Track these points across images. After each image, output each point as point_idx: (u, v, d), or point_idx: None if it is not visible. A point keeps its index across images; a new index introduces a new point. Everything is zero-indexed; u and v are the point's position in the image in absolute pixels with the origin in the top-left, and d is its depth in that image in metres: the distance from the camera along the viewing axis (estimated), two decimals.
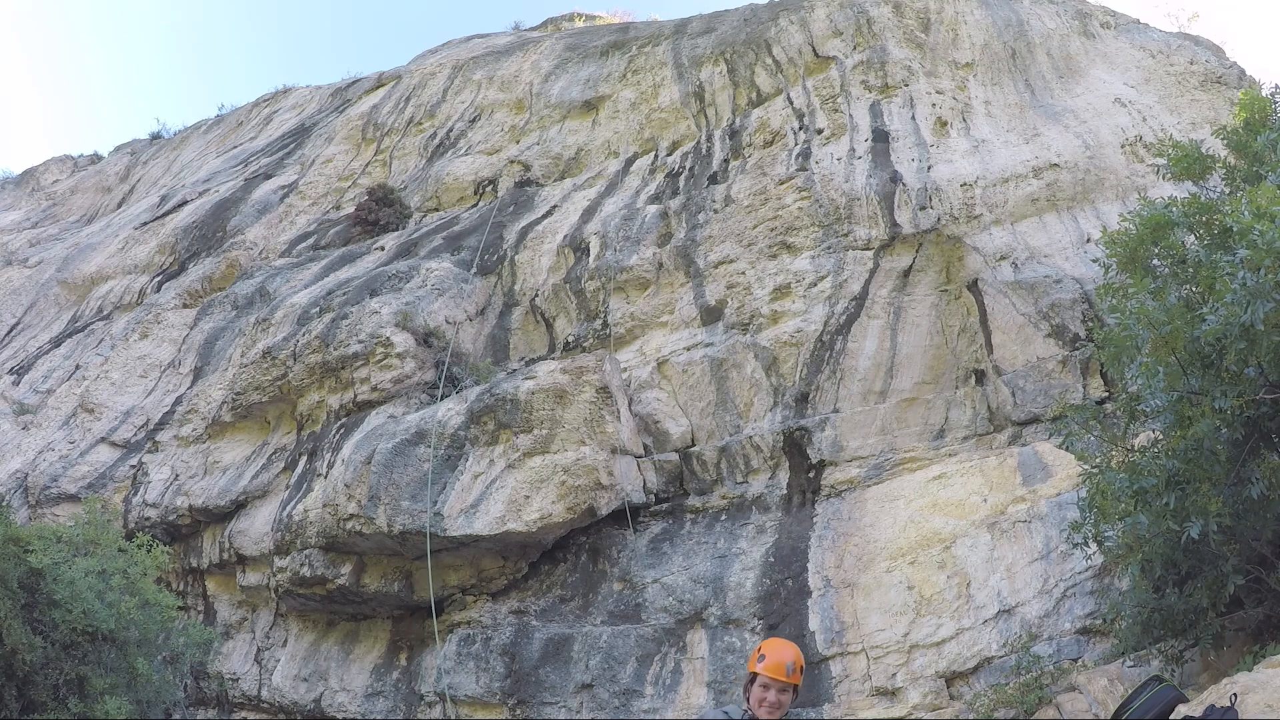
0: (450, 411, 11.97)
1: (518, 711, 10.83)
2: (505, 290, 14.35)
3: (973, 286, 10.08)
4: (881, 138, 12.83)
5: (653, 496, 11.87)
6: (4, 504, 9.57)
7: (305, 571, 11.77)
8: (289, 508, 12.42)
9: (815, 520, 10.35)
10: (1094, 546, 6.64)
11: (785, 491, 10.81)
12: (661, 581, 10.98)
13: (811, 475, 10.65)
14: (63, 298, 22.98)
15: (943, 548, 8.96)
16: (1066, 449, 8.36)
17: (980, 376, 9.97)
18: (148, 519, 14.14)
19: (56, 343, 20.79)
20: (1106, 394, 9.29)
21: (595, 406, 11.70)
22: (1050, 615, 8.03)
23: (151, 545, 10.58)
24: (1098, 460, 6.80)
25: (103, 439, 16.10)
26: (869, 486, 10.07)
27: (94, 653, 9.07)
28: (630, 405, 12.06)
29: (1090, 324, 9.60)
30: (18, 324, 23.10)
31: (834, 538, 9.99)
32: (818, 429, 10.57)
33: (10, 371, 20.07)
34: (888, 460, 10.00)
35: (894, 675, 8.71)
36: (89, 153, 36.26)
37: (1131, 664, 6.77)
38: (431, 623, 11.47)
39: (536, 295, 13.85)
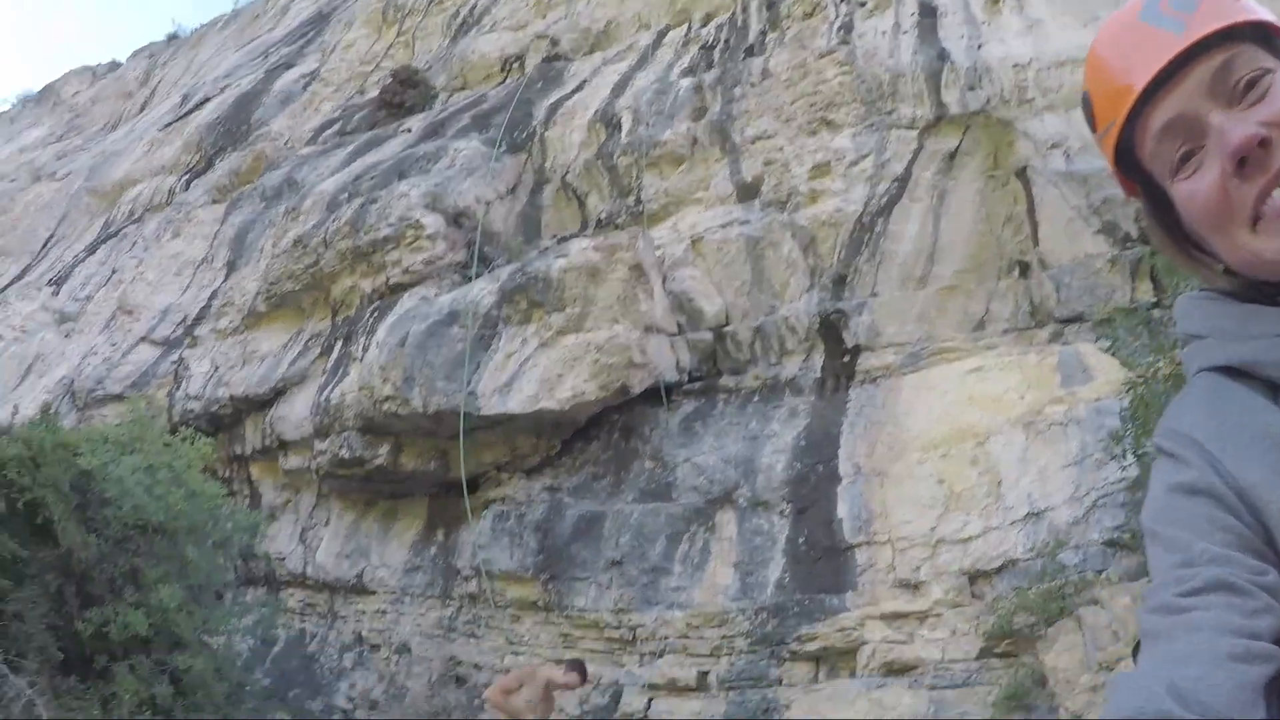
0: (483, 291, 11.82)
1: (549, 586, 11.06)
2: (536, 168, 13.96)
3: (1021, 174, 9.56)
4: (929, 13, 12.03)
5: (686, 375, 11.77)
6: (52, 412, 9.65)
7: (344, 453, 11.92)
8: (326, 392, 12.50)
9: (848, 406, 10.20)
10: (1132, 460, 6.42)
11: (819, 375, 10.64)
12: (693, 461, 10.97)
13: (846, 360, 10.44)
14: (93, 206, 22.97)
15: (976, 443, 8.79)
16: (1111, 354, 8.05)
17: (1024, 269, 9.58)
18: (191, 411, 14.38)
19: (91, 250, 20.88)
20: (1155, 300, 8.89)
21: (628, 284, 11.48)
22: (1079, 524, 7.90)
23: (194, 438, 10.73)
24: (1143, 369, 6.50)
25: (143, 338, 16.27)
26: (904, 375, 9.85)
27: (146, 545, 9.31)
28: (664, 283, 11.83)
29: (1143, 224, 9.09)
30: (52, 236, 23.20)
31: (866, 425, 9.85)
32: (855, 313, 10.30)
33: (49, 283, 20.22)
34: (925, 349, 9.74)
35: (918, 569, 8.70)
36: (107, 62, 35.55)
37: None
38: (467, 500, 11.63)
39: (568, 172, 13.46)
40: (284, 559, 13.57)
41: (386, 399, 11.47)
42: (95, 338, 17.11)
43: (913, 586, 8.71)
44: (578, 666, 8.57)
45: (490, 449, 12.06)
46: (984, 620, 7.89)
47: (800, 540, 9.90)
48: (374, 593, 12.66)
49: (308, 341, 14.14)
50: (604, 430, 11.98)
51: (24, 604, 8.17)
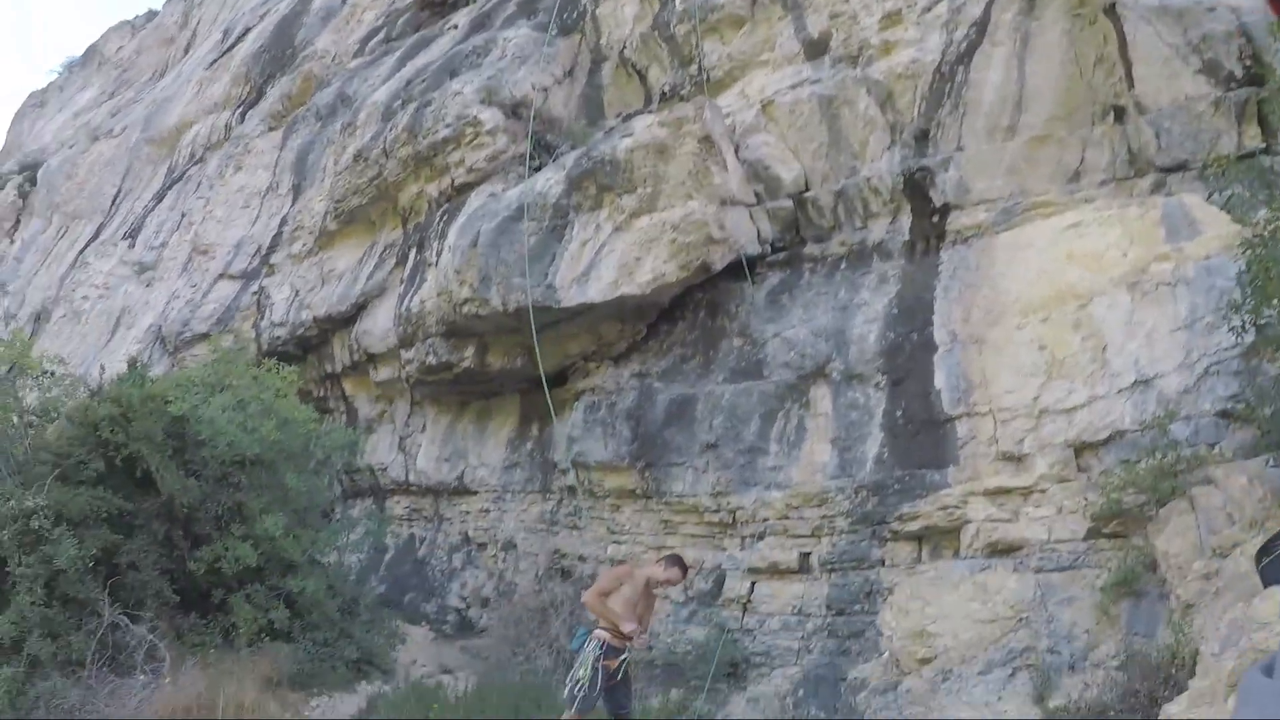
0: (549, 181, 11.39)
1: (646, 474, 10.99)
2: (591, 47, 13.19)
3: (1110, 11, 8.46)
4: None
5: (768, 247, 11.23)
6: (142, 363, 9.77)
7: (430, 360, 11.90)
8: (406, 301, 12.42)
9: (940, 269, 9.57)
10: (1251, 331, 5.78)
11: (908, 238, 9.98)
12: (782, 336, 10.57)
13: (935, 220, 9.74)
14: (154, 154, 23.02)
15: (1078, 305, 8.13)
16: (1219, 206, 7.24)
17: (1120, 114, 8.60)
18: (278, 338, 14.57)
19: (159, 198, 21.01)
20: (1264, 144, 7.89)
21: (699, 158, 10.90)
22: (1189, 392, 7.26)
23: (278, 368, 10.83)
24: (1259, 226, 5.77)
25: (221, 275, 16.46)
26: (998, 233, 9.13)
27: (246, 479, 9.53)
28: (737, 152, 11.17)
29: (1249, 63, 8.00)
30: (119, 192, 23.39)
31: (960, 289, 9.24)
32: (940, 169, 9.53)
33: (124, 237, 20.48)
34: (1018, 204, 8.97)
35: (1021, 441, 8.23)
36: (144, 13, 35.34)
37: (1275, 465, 6.08)
38: (558, 392, 11.54)
39: (624, 47, 12.68)
40: (386, 469, 13.87)
41: (465, 301, 11.32)
42: (175, 282, 17.44)
43: (1016, 460, 8.27)
44: (677, 561, 8.50)
45: (575, 340, 11.87)
46: (1091, 499, 7.43)
47: (898, 413, 9.49)
48: (475, 493, 12.86)
49: (382, 253, 14.04)
50: (689, 310, 11.63)
51: (136, 554, 8.50)
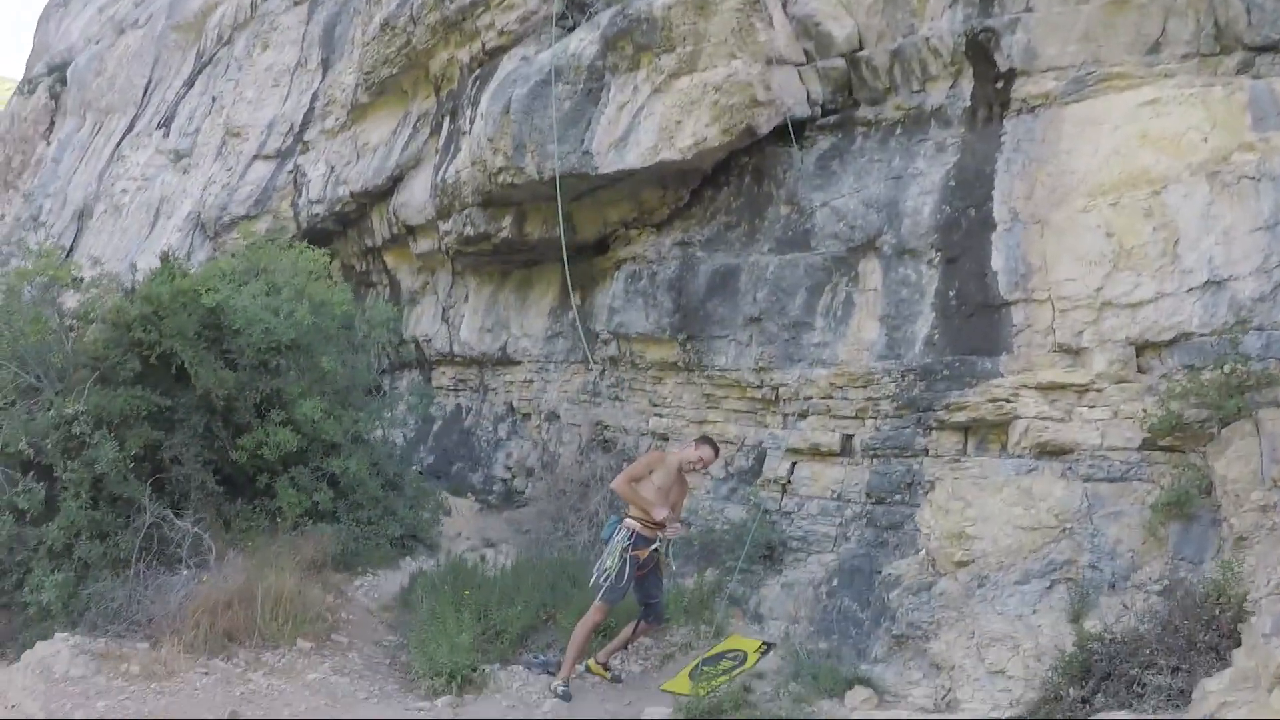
0: (583, 42, 10.53)
1: (688, 346, 10.63)
2: None
3: None
4: None
5: (818, 109, 10.34)
6: (171, 260, 9.48)
7: (468, 231, 11.46)
8: (441, 172, 11.88)
9: (1003, 140, 8.70)
10: None
11: (969, 104, 9.06)
12: (831, 205, 9.87)
13: (999, 86, 8.78)
14: (181, 41, 22.07)
15: (1151, 191, 7.31)
16: None
17: None
18: (316, 215, 14.17)
19: (189, 84, 20.29)
20: None
21: (742, 13, 9.92)
22: (1265, 300, 6.51)
23: (306, 250, 10.50)
24: None
25: (255, 156, 15.96)
26: (1067, 104, 8.19)
27: (283, 364, 9.39)
28: (784, 7, 10.15)
29: None
30: (149, 82, 22.51)
31: (1024, 163, 8.41)
32: (1006, 31, 8.51)
33: (158, 127, 19.80)
34: (1090, 74, 7.97)
35: (1080, 333, 7.62)
36: None
37: None
38: (598, 261, 11.10)
39: None
40: (430, 340, 13.68)
41: (500, 170, 10.75)
42: (211, 167, 17.03)
43: (1073, 353, 7.69)
44: (707, 441, 8.23)
45: (614, 207, 11.29)
46: (1150, 409, 6.90)
47: (951, 293, 8.87)
48: (519, 363, 12.66)
49: (415, 124, 13.39)
50: (733, 175, 10.89)
51: (178, 449, 8.50)
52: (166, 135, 19.90)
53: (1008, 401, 7.96)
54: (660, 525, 7.75)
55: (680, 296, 10.68)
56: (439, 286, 14.07)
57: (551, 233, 11.34)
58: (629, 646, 8.26)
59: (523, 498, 11.79)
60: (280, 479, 9.09)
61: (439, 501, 10.90)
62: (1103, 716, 5.55)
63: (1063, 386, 7.61)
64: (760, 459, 10.06)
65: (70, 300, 9.51)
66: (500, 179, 10.78)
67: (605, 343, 11.46)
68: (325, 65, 16.36)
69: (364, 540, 9.51)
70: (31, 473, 8.04)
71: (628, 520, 7.77)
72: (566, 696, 7.36)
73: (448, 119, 12.48)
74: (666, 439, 10.90)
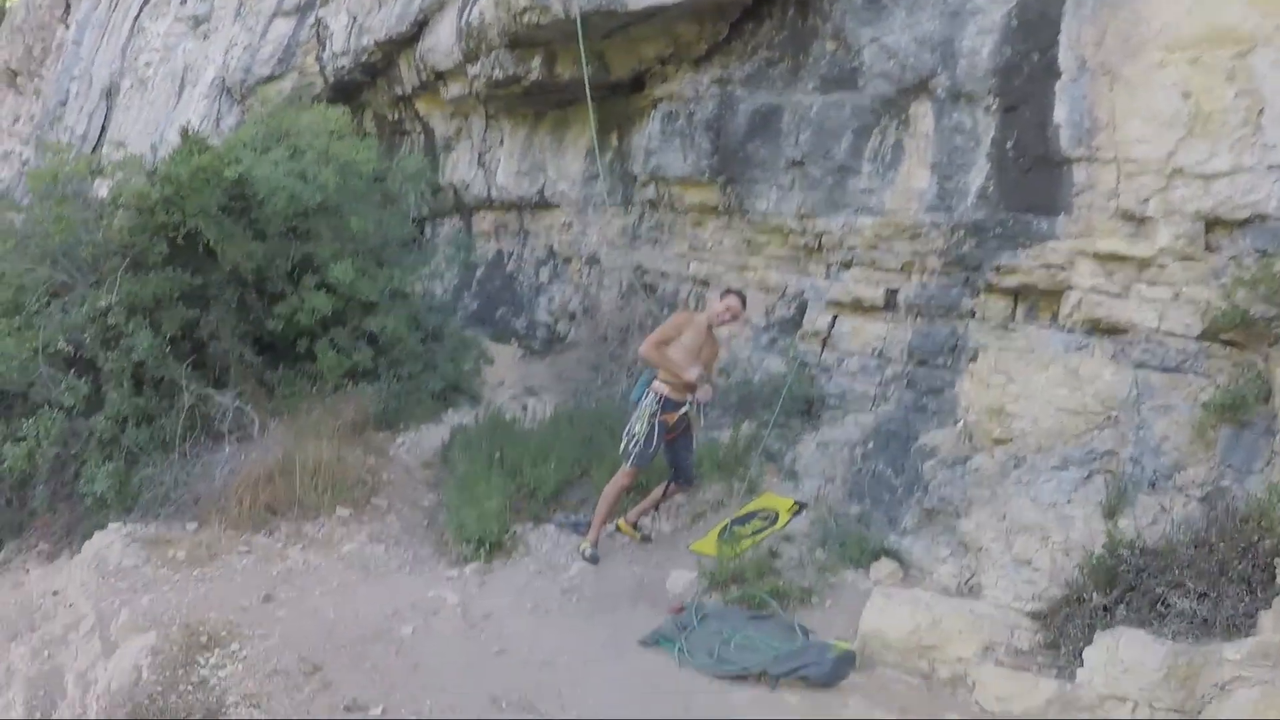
0: None
1: (728, 189, 9.93)
2: None
3: None
4: None
5: None
6: (190, 135, 8.85)
7: (497, 74, 10.58)
8: (466, 15, 10.85)
9: None
10: None
11: None
12: (880, 42, 8.80)
13: None
14: None
15: (1236, 52, 6.23)
16: None
17: None
18: (342, 68, 13.22)
19: None
20: None
21: None
22: None
23: (326, 108, 9.77)
24: None
25: (275, 14, 14.95)
26: None
27: (313, 229, 8.96)
28: None
29: None
30: None
31: (1095, 6, 7.25)
32: None
33: None
34: None
35: (1146, 201, 6.77)
36: None
37: None
38: (634, 99, 10.22)
39: None
40: (468, 186, 12.99)
41: (525, 10, 9.74)
42: (231, 29, 15.86)
43: (1137, 222, 6.86)
44: (733, 292, 7.74)
45: (649, 43, 10.26)
46: (1214, 296, 6.22)
47: (1008, 144, 7.95)
48: (557, 206, 12.03)
49: None
50: (775, 8, 9.70)
51: (214, 326, 8.30)
52: (184, 2, 18.71)
53: (1062, 269, 7.29)
54: (691, 387, 7.41)
55: (719, 137, 9.89)
56: (473, 131, 13.28)
57: (582, 73, 10.44)
58: (659, 507, 8.13)
59: (565, 343, 11.51)
60: (319, 342, 8.91)
61: (480, 352, 10.68)
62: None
63: (1122, 258, 6.88)
64: (801, 310, 9.58)
65: (104, 189, 9.10)
66: (525, 19, 9.81)
67: (643, 185, 10.78)
68: None
69: (405, 397, 9.41)
70: (74, 369, 7.93)
71: (656, 384, 7.40)
72: (594, 560, 7.27)
73: None
74: (707, 284, 10.42)
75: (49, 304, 7.98)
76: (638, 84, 10.76)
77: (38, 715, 5.26)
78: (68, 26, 25.30)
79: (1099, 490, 6.46)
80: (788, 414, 8.89)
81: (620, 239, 11.34)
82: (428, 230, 13.90)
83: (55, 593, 6.20)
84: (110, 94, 20.72)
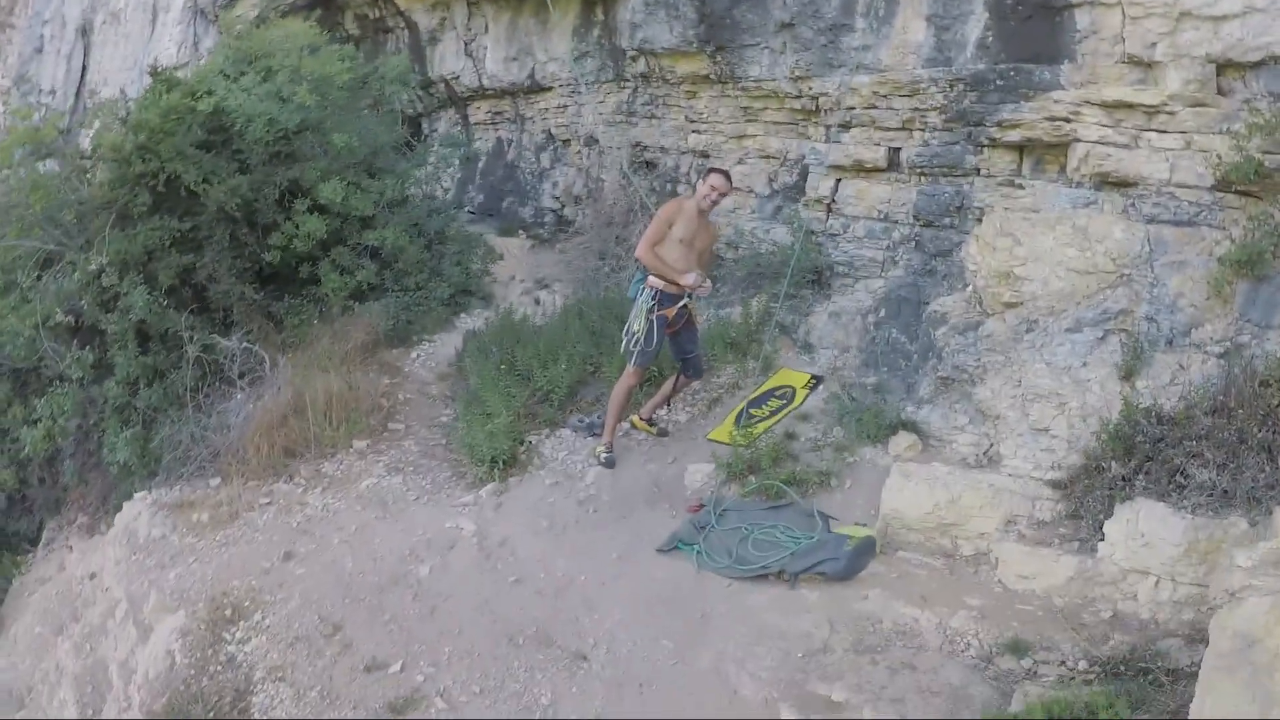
0: None
1: (718, 58, 9.20)
2: None
3: None
4: None
5: None
6: (158, 74, 8.17)
7: None
8: None
9: None
10: None
11: None
12: None
13: None
14: None
15: None
16: None
17: None
18: None
19: None
20: None
21: None
22: None
23: (290, 23, 8.97)
24: None
25: None
26: None
27: (297, 150, 8.40)
28: None
29: None
30: None
31: None
32: None
33: None
34: None
35: (1153, 45, 6.04)
36: None
37: None
38: None
39: None
40: (458, 77, 12.14)
41: None
42: None
43: (1144, 66, 6.16)
44: (715, 170, 7.14)
45: None
46: (1225, 149, 5.59)
47: None
48: (550, 88, 11.26)
49: None
50: None
51: (210, 268, 7.93)
52: None
53: (1067, 121, 6.67)
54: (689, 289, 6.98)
55: (704, 4, 9.08)
56: (456, 21, 12.32)
57: None
58: (671, 401, 7.84)
59: (573, 229, 10.99)
60: (321, 264, 8.56)
61: (487, 250, 10.22)
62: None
63: (1130, 106, 6.24)
64: (804, 176, 9.01)
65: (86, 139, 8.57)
66: None
67: (633, 60, 10.00)
68: None
69: (415, 308, 9.05)
70: (77, 338, 7.65)
71: (651, 279, 6.96)
72: (609, 464, 6.98)
73: None
74: (706, 155, 9.81)
75: (40, 278, 7.66)
76: None
77: (90, 714, 5.30)
78: None
79: (1115, 351, 6.06)
80: (798, 285, 8.47)
81: (617, 116, 10.65)
82: (425, 127, 13.24)
83: (92, 576, 6.19)
84: (85, 32, 19.61)
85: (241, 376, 7.53)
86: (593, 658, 5.05)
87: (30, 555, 7.32)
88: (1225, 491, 4.81)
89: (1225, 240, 5.61)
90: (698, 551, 5.98)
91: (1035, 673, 4.64)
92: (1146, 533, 4.96)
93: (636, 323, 6.93)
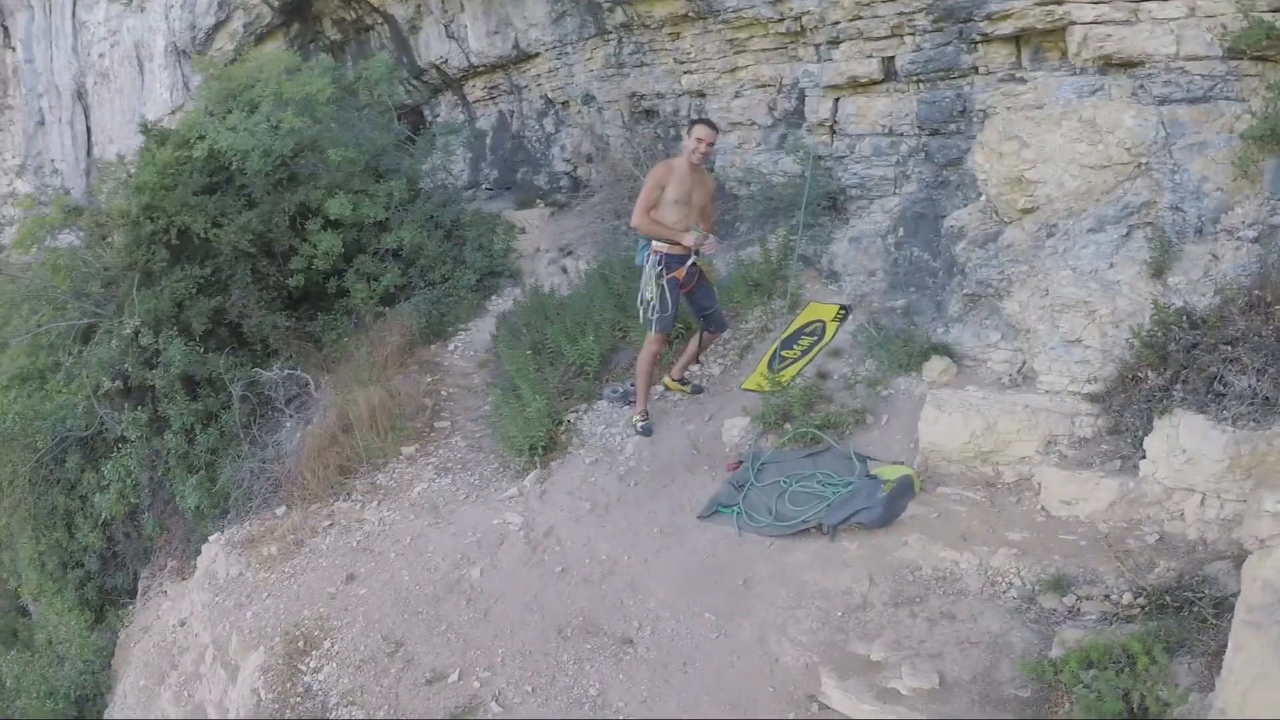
0: None
1: None
2: None
3: None
4: None
5: None
6: (149, 131, 7.95)
7: None
8: None
9: None
10: None
11: None
12: None
13: None
14: None
15: None
16: None
17: None
18: None
19: None
20: None
21: None
22: None
23: (262, 52, 8.63)
24: None
25: None
26: None
27: (299, 174, 8.16)
28: None
29: None
30: None
31: None
32: None
33: None
34: None
35: None
36: None
37: None
38: None
39: None
40: (446, 60, 11.62)
41: None
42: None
43: None
44: (698, 122, 6.63)
45: None
46: (1231, 10, 4.88)
47: None
48: (537, 54, 10.69)
49: None
50: None
51: (239, 305, 7.83)
52: None
53: (1059, 3, 5.96)
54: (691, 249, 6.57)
55: None
56: (432, 6, 11.75)
57: None
58: (701, 358, 7.50)
59: (588, 190, 10.55)
60: (347, 276, 8.39)
61: (506, 227, 9.88)
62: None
63: None
64: (801, 98, 8.40)
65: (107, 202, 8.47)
66: None
67: (610, 11, 9.39)
68: None
69: (444, 301, 8.85)
70: (129, 399, 7.66)
71: (655, 243, 6.57)
72: (646, 431, 6.74)
73: None
74: (703, 95, 9.24)
75: (81, 352, 7.67)
76: None
77: None
78: (14, 49, 23.55)
79: (1141, 248, 5.49)
80: (814, 214, 7.98)
81: (608, 70, 10.09)
82: (427, 115, 12.82)
83: (183, 622, 6.27)
84: (81, 95, 19.42)
85: (288, 403, 7.47)
86: (638, 641, 4.91)
87: (130, 607, 7.52)
88: (1267, 399, 4.32)
89: (1245, 114, 4.96)
90: (738, 513, 5.73)
91: (1078, 610, 4.31)
92: (1188, 448, 4.51)
93: (648, 290, 6.58)
